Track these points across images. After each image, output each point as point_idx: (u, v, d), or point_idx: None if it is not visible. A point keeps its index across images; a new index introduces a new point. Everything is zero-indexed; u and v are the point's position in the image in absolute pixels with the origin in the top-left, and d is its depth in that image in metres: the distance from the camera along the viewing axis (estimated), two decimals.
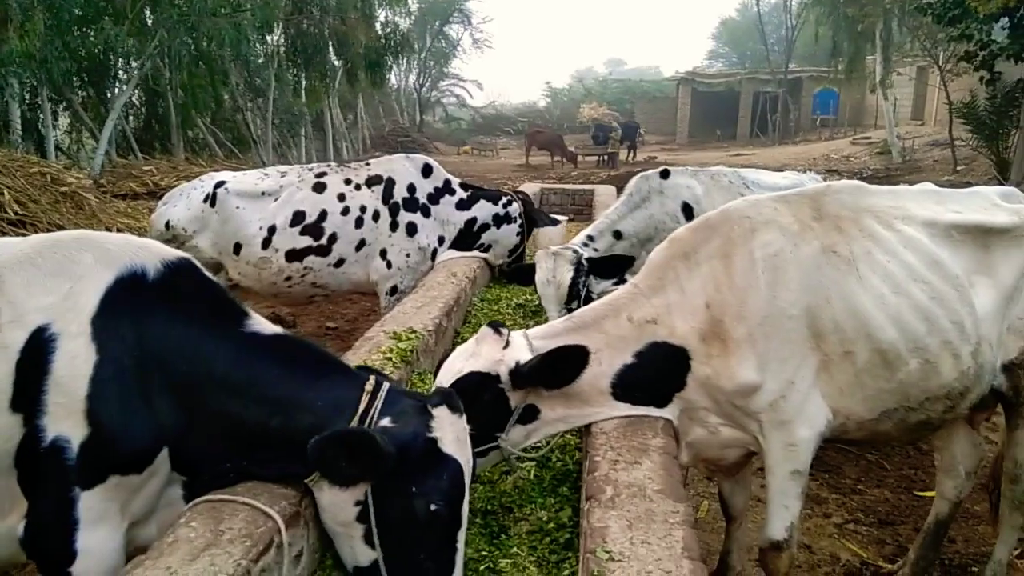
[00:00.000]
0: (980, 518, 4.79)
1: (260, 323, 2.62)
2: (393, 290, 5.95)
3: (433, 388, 3.02)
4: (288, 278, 5.98)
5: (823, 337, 2.89)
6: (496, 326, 3.04)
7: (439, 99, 52.03)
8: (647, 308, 2.95)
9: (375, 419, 2.44)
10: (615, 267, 5.01)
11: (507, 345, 2.95)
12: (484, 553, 2.80)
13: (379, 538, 2.34)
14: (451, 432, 2.41)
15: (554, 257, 4.95)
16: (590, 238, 5.48)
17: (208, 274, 2.67)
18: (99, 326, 2.34)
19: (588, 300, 4.88)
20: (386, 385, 2.58)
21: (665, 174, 5.61)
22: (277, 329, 2.66)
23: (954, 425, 3.72)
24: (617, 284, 4.70)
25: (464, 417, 2.49)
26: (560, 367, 2.86)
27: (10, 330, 2.28)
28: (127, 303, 2.41)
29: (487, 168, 29.72)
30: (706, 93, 45.39)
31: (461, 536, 2.41)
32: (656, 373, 2.93)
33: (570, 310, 4.59)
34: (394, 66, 32.87)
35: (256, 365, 2.51)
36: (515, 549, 2.86)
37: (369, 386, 2.55)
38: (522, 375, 2.87)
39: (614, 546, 2.18)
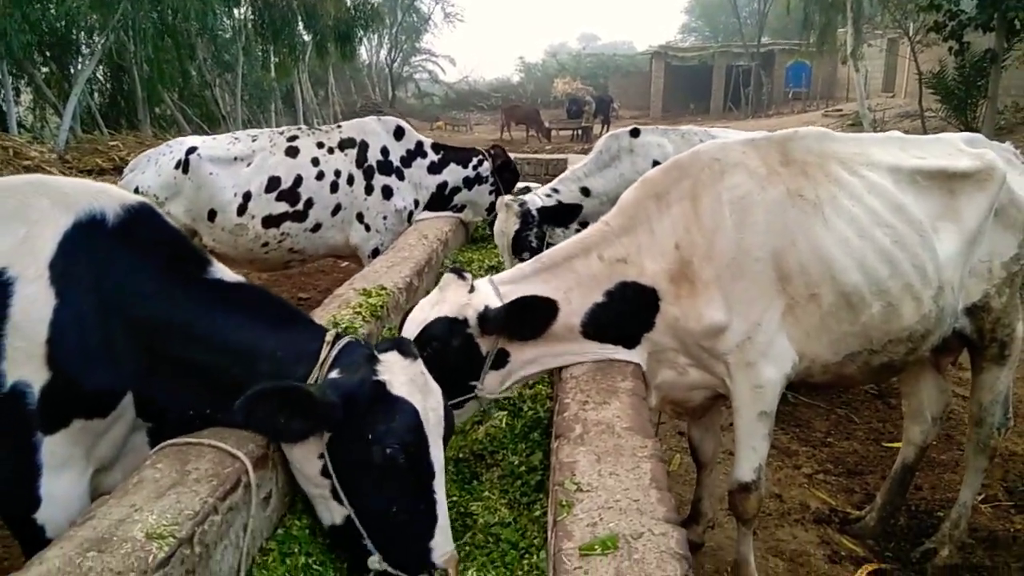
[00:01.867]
0: (946, 466, 4.90)
1: (221, 271, 2.58)
2: (375, 252, 5.92)
3: None
4: (265, 244, 5.92)
5: (789, 280, 2.90)
6: (458, 271, 3.01)
7: (411, 75, 51.52)
8: (617, 247, 2.95)
9: (326, 371, 2.41)
10: (566, 216, 5.10)
11: (472, 290, 2.94)
12: (456, 499, 2.80)
13: (344, 492, 2.30)
14: (402, 375, 2.35)
15: (506, 208, 5.03)
16: (554, 190, 5.49)
17: (169, 220, 2.62)
18: (57, 270, 2.29)
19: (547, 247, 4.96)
20: (345, 338, 2.56)
21: (635, 132, 5.60)
22: (239, 277, 2.62)
23: (921, 371, 3.79)
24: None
25: (418, 361, 2.43)
26: (528, 318, 2.86)
27: None
28: (86, 247, 2.35)
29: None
30: (679, 67, 45.33)
31: (438, 487, 2.34)
32: (626, 312, 2.93)
33: (522, 260, 4.62)
34: (364, 40, 32.50)
35: (217, 313, 2.47)
36: (487, 493, 2.88)
37: (329, 337, 2.52)
38: (490, 321, 2.85)
39: (582, 478, 2.19)
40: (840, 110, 33.29)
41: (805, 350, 3.00)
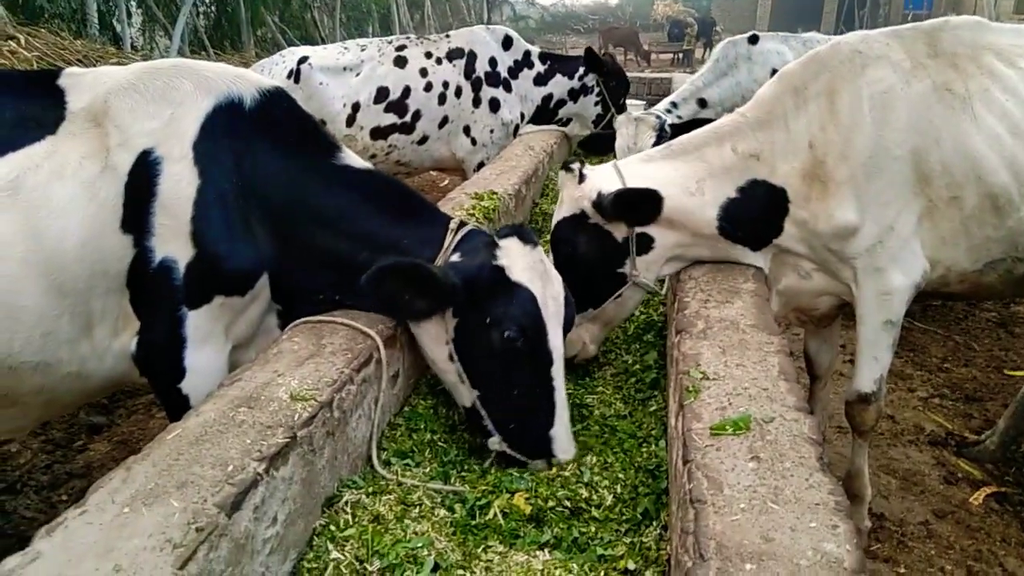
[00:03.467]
0: None
1: (351, 157, 2.63)
2: (480, 166, 5.93)
3: None
4: (372, 156, 5.98)
5: (929, 181, 2.74)
6: (567, 166, 2.97)
7: None
8: (751, 141, 2.83)
9: (449, 255, 2.45)
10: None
11: (582, 179, 2.89)
12: (571, 391, 2.83)
13: (468, 375, 2.37)
14: (521, 261, 2.36)
15: (636, 122, 4.84)
16: (673, 104, 5.32)
17: (302, 105, 2.67)
18: (200, 151, 2.37)
19: None
20: (468, 225, 2.58)
21: (754, 40, 5.35)
22: (367, 164, 2.67)
23: None
24: None
25: (538, 248, 2.44)
26: (633, 206, 2.79)
27: (118, 153, 2.33)
28: (226, 130, 2.43)
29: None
30: None
31: (558, 375, 2.38)
32: (757, 213, 2.83)
33: None
34: None
35: (347, 199, 2.53)
36: (601, 388, 2.90)
37: (453, 224, 2.55)
38: (603, 208, 2.81)
39: (708, 368, 2.17)
40: None
41: (941, 257, 2.85)
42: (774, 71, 5.30)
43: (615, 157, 4.98)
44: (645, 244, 2.90)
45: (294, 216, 2.49)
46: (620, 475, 2.26)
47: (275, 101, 2.54)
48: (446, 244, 2.48)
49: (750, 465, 1.70)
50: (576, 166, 2.93)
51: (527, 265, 2.39)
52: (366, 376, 2.23)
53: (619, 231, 2.87)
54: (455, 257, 2.44)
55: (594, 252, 2.88)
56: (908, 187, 2.75)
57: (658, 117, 4.89)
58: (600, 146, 5.18)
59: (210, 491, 1.58)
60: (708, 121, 4.79)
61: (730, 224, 2.84)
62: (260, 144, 2.48)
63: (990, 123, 2.75)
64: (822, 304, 3.08)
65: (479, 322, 2.33)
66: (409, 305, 2.31)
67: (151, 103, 2.40)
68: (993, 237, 2.83)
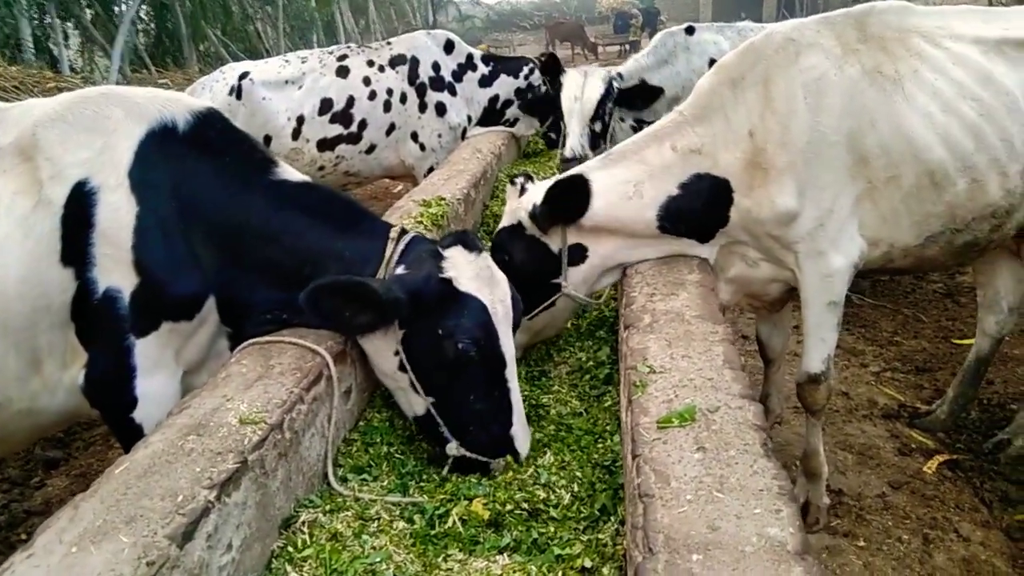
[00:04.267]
0: (1019, 361, 4.80)
1: (288, 171, 2.62)
2: (430, 171, 5.92)
3: None
4: (321, 168, 5.95)
5: (867, 162, 2.81)
6: (512, 178, 3.04)
7: None
8: (691, 137, 2.88)
9: (392, 267, 2.45)
10: (645, 98, 4.90)
11: (523, 192, 2.94)
12: (527, 393, 2.85)
13: (421, 385, 2.38)
14: (468, 270, 2.38)
15: (585, 74, 4.91)
16: (620, 75, 5.34)
17: (235, 123, 2.66)
18: (136, 178, 2.36)
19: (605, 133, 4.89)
20: (409, 234, 2.59)
21: (690, 30, 5.42)
22: (304, 177, 2.66)
23: (998, 259, 3.67)
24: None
25: (483, 254, 2.47)
26: (563, 200, 2.83)
27: (51, 186, 2.30)
28: (161, 155, 2.42)
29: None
30: None
31: (511, 375, 2.41)
32: (701, 206, 2.87)
33: (592, 131, 4.55)
34: None
35: (286, 214, 2.52)
36: (557, 387, 2.93)
37: (394, 234, 2.56)
38: (537, 217, 2.86)
39: (655, 361, 2.21)
40: None
41: (884, 234, 2.92)
42: (712, 61, 5.38)
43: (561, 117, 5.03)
44: (579, 255, 2.95)
45: (236, 236, 2.48)
46: (577, 473, 2.29)
47: (208, 122, 2.53)
48: (387, 254, 2.48)
49: (696, 456, 1.74)
50: (520, 180, 2.99)
51: (474, 273, 2.40)
52: (317, 394, 2.23)
53: (554, 243, 2.92)
54: (399, 268, 2.45)
55: (529, 262, 2.91)
56: (846, 170, 2.81)
57: (608, 71, 4.95)
58: (543, 109, 5.26)
59: (160, 523, 1.57)
60: (654, 89, 4.86)
61: (671, 221, 2.89)
62: (197, 166, 2.47)
63: (922, 102, 2.83)
64: (772, 290, 3.14)
65: (430, 334, 2.34)
66: (351, 321, 2.30)
67: (82, 133, 2.38)
68: (932, 212, 2.92)
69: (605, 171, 2.93)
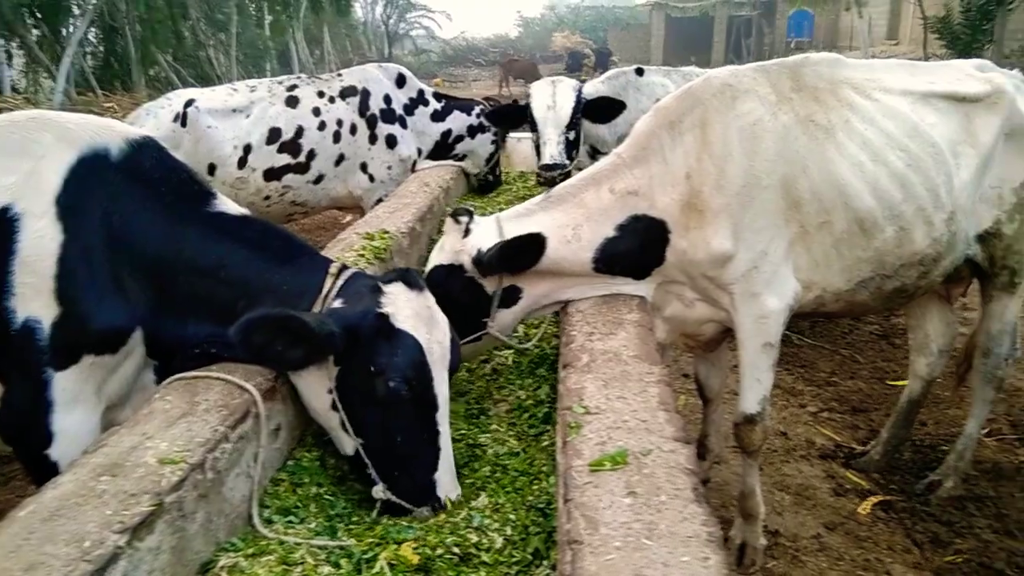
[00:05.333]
0: (950, 402, 4.92)
1: (226, 203, 2.57)
2: (379, 203, 5.88)
3: None
4: (267, 197, 5.86)
5: (800, 207, 2.87)
6: (456, 214, 3.01)
7: (407, 31, 50.78)
8: (629, 179, 2.91)
9: (330, 302, 2.41)
10: (608, 111, 4.91)
11: (467, 233, 2.93)
12: (464, 431, 2.81)
13: (351, 424, 2.32)
14: (407, 308, 2.34)
15: (554, 83, 4.91)
16: (582, 88, 5.39)
17: (173, 153, 2.60)
18: (64, 205, 2.28)
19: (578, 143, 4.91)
20: (350, 270, 2.55)
21: (640, 72, 5.53)
22: (243, 210, 2.61)
23: (928, 303, 3.78)
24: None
25: (424, 293, 2.43)
26: (517, 256, 2.84)
27: None
28: (91, 182, 2.34)
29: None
30: (679, 19, 44.60)
31: (442, 420, 2.36)
32: (637, 247, 2.90)
33: (567, 140, 4.56)
34: None
35: (222, 247, 2.46)
36: (495, 426, 2.88)
37: (334, 269, 2.51)
38: (483, 264, 2.86)
39: (590, 402, 2.19)
40: None
41: (816, 279, 2.98)
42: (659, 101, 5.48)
43: (529, 128, 5.02)
44: (513, 297, 2.96)
45: (168, 268, 2.41)
46: (511, 516, 2.24)
47: (143, 151, 2.47)
48: (326, 290, 2.44)
49: (626, 501, 1.72)
50: (464, 219, 2.97)
51: (413, 312, 2.36)
52: (244, 432, 2.15)
53: (490, 285, 2.92)
54: (337, 303, 2.40)
55: (463, 302, 2.89)
56: (779, 214, 2.87)
57: (576, 81, 4.97)
58: (509, 120, 5.26)
59: (63, 571, 1.49)
60: (616, 103, 4.89)
61: (607, 262, 2.91)
62: (129, 195, 2.40)
63: (852, 151, 2.91)
64: (707, 330, 3.17)
65: (363, 371, 2.29)
66: (283, 356, 2.24)
67: (8, 157, 2.30)
68: (863, 258, 2.99)
69: (546, 214, 2.94)
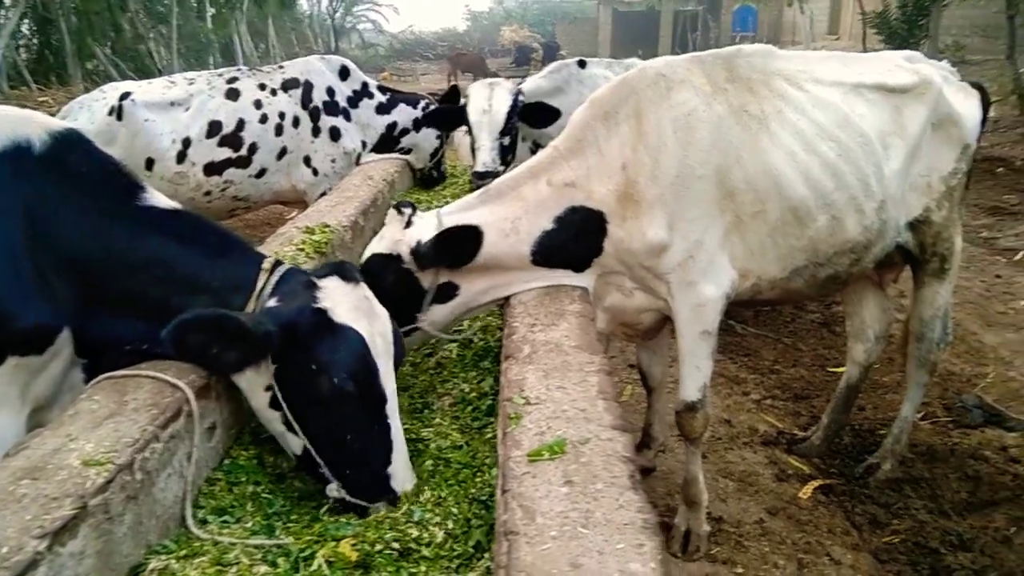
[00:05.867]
0: (887, 388, 5.05)
1: (156, 197, 2.49)
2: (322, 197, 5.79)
3: None
4: (208, 192, 5.73)
5: (734, 197, 2.91)
6: (399, 206, 3.00)
7: (354, 25, 50.16)
8: (566, 171, 2.91)
9: (264, 299, 2.35)
10: (543, 117, 4.89)
11: (408, 224, 2.91)
12: (407, 426, 2.78)
13: (297, 422, 2.27)
14: (344, 301, 2.30)
15: (491, 86, 4.86)
16: (521, 92, 5.38)
17: (99, 146, 2.51)
18: None
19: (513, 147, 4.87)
20: (284, 266, 2.50)
21: (582, 64, 5.53)
22: (174, 204, 2.53)
23: (863, 290, 3.87)
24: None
25: (361, 286, 2.39)
26: (453, 249, 2.84)
27: None
28: (12, 176, 2.25)
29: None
30: (626, 13, 44.91)
31: (392, 411, 2.33)
32: (575, 238, 2.91)
33: (502, 145, 4.54)
34: None
35: (152, 242, 2.39)
36: (438, 420, 2.86)
37: (267, 264, 2.46)
38: (421, 256, 2.84)
39: (531, 393, 2.19)
40: None
41: (752, 267, 3.02)
42: None
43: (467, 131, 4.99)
44: (449, 293, 2.95)
45: (96, 264, 2.33)
46: (453, 509, 2.22)
47: (68, 143, 2.37)
48: (259, 286, 2.38)
49: (563, 490, 1.72)
50: (407, 211, 2.94)
51: (352, 305, 2.32)
52: (175, 431, 2.10)
53: (426, 279, 2.91)
54: (272, 301, 2.35)
55: (399, 294, 2.87)
56: (714, 204, 2.90)
57: (513, 84, 4.93)
58: (447, 121, 5.23)
59: None
60: (551, 110, 4.88)
61: (545, 256, 2.92)
62: (54, 190, 2.31)
63: (785, 141, 2.96)
64: (646, 319, 3.19)
65: (304, 368, 2.24)
66: (219, 358, 2.19)
67: None
68: (797, 246, 3.04)
69: (485, 208, 2.94)
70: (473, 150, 4.84)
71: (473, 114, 4.85)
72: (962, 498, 3.91)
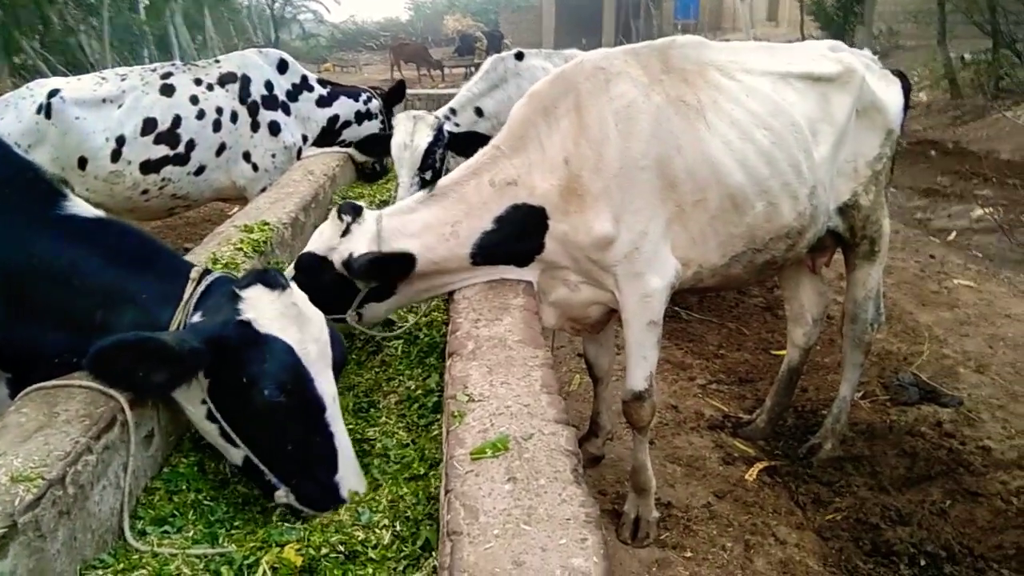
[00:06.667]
0: (828, 368, 5.17)
1: (77, 205, 2.39)
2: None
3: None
4: (145, 191, 5.58)
5: (675, 186, 2.94)
6: (343, 209, 2.96)
7: (295, 15, 49.24)
8: (508, 169, 2.91)
9: (190, 311, 2.28)
10: (473, 145, 4.89)
11: (346, 232, 2.88)
12: (352, 426, 2.75)
13: (236, 435, 2.22)
14: (270, 311, 2.22)
15: (415, 120, 4.80)
16: (452, 111, 5.36)
17: (17, 150, 2.41)
18: None
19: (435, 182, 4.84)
20: (212, 274, 2.42)
21: (520, 56, 5.53)
22: (97, 212, 2.44)
23: (799, 275, 3.95)
24: None
25: (288, 291, 2.30)
26: (384, 273, 2.84)
27: None
28: None
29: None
30: (570, 2, 44.99)
31: (333, 417, 2.28)
32: (515, 237, 2.92)
33: (422, 180, 4.51)
34: None
35: (76, 251, 2.29)
36: (384, 419, 2.84)
37: (195, 274, 2.38)
38: (352, 271, 2.83)
39: (475, 389, 2.19)
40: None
41: (693, 255, 3.06)
42: None
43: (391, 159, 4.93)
44: (385, 293, 2.96)
45: (15, 275, 2.23)
46: (401, 509, 2.21)
47: None
48: (186, 296, 2.30)
49: (506, 487, 1.72)
50: (347, 217, 2.90)
51: (277, 313, 2.24)
52: (110, 442, 2.04)
53: (360, 283, 2.90)
54: (196, 316, 2.27)
55: (333, 294, 2.85)
56: (657, 194, 2.93)
57: (437, 118, 4.88)
58: (377, 147, 5.19)
59: None
60: (484, 138, 4.88)
61: (485, 256, 2.93)
62: None
63: (722, 130, 3.00)
64: (593, 313, 3.21)
65: (235, 383, 2.18)
66: (147, 381, 2.09)
67: None
68: (735, 233, 3.09)
69: (428, 210, 2.93)
70: (396, 185, 4.85)
71: (394, 149, 4.82)
72: (900, 474, 4.04)
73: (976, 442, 4.30)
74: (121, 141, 5.46)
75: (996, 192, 10.09)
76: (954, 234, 8.58)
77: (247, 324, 2.17)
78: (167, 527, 2.12)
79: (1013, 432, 4.41)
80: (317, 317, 2.35)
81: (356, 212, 2.96)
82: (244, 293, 2.23)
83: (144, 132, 5.49)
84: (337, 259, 2.85)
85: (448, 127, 4.94)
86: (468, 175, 2.98)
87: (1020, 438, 4.34)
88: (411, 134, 4.74)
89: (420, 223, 2.89)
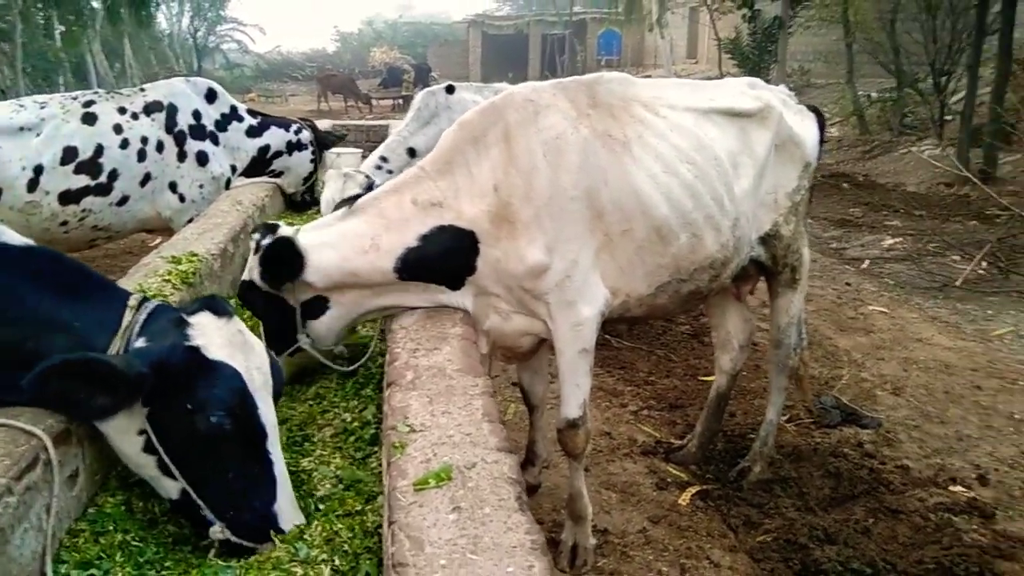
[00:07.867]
0: (755, 393, 5.32)
1: (6, 233, 2.32)
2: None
3: None
4: (64, 223, 5.37)
5: (603, 216, 3.01)
6: (256, 229, 3.04)
7: (218, 45, 48.53)
8: (433, 191, 2.95)
9: (132, 339, 2.24)
10: None
11: (258, 249, 2.93)
12: (287, 460, 2.69)
13: (175, 466, 2.17)
14: (217, 337, 2.22)
15: (344, 178, 4.81)
16: (383, 159, 5.38)
17: None
18: None
19: None
20: (151, 303, 2.38)
21: (451, 89, 5.61)
22: (26, 240, 2.37)
23: (725, 303, 4.08)
24: None
25: (234, 320, 2.32)
26: (276, 264, 2.89)
27: None
28: None
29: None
30: (496, 36, 45.77)
31: (273, 447, 2.26)
32: (444, 256, 2.95)
33: None
34: (163, 6, 30.21)
35: (4, 282, 2.22)
36: (320, 452, 2.79)
37: (133, 302, 2.34)
38: (263, 279, 2.92)
39: (415, 420, 2.18)
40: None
41: (621, 285, 3.13)
42: None
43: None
44: (319, 308, 2.99)
45: None
46: (337, 543, 2.17)
47: None
48: (124, 324, 2.25)
49: (451, 517, 1.72)
50: (256, 236, 2.97)
51: (225, 340, 2.24)
52: (31, 482, 1.95)
53: (291, 298, 2.93)
54: (140, 341, 2.23)
55: (274, 317, 2.92)
56: (586, 223, 2.99)
57: (367, 177, 4.88)
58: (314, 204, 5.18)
59: None
60: None
61: (411, 271, 2.95)
62: None
63: (648, 163, 3.09)
64: (524, 343, 3.25)
65: (180, 409, 2.14)
66: (88, 404, 2.04)
67: None
68: (661, 263, 3.18)
69: (345, 224, 2.98)
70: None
71: (324, 206, 4.84)
72: (826, 494, 4.16)
73: (895, 461, 4.48)
74: (39, 170, 5.25)
75: (904, 222, 10.63)
76: (867, 262, 8.97)
77: (196, 350, 2.15)
78: (93, 571, 2.03)
79: (929, 451, 4.61)
80: (259, 344, 2.35)
81: (270, 230, 3.00)
82: (192, 319, 2.22)
83: (64, 161, 5.30)
84: (256, 275, 2.93)
85: (380, 177, 4.97)
86: (389, 192, 3.04)
87: (935, 457, 4.54)
88: (341, 191, 4.73)
89: (336, 234, 2.95)
